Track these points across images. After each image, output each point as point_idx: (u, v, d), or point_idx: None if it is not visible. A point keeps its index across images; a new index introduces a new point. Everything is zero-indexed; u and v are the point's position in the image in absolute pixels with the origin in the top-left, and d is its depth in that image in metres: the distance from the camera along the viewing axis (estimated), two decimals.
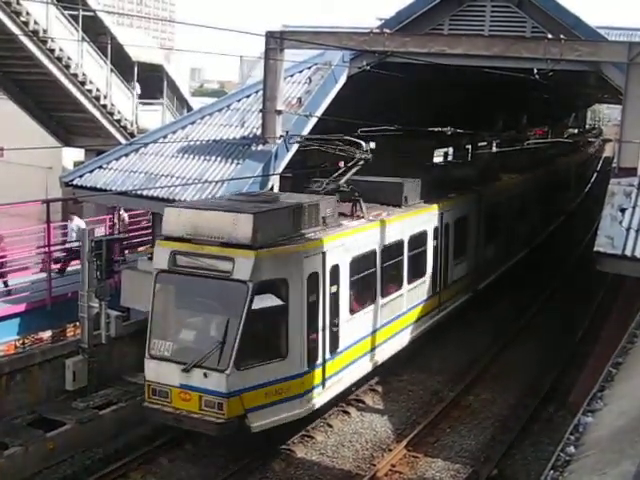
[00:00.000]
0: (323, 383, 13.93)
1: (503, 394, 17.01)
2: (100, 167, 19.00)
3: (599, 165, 66.72)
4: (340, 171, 16.55)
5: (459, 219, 20.49)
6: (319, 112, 18.11)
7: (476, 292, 22.01)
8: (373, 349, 15.94)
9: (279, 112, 17.30)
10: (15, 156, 25.89)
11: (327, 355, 13.98)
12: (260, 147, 17.57)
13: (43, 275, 18.91)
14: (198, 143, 18.42)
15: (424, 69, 17.62)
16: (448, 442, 14.68)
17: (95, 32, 26.45)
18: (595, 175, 59.88)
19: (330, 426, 15.03)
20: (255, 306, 12.40)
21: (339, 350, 14.43)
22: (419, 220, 18.00)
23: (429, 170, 20.66)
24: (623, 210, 14.12)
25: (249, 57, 33.69)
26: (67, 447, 13.88)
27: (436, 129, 18.61)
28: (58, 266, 19.39)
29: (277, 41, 17.18)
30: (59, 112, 27.85)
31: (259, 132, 17.76)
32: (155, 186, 17.32)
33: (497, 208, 23.71)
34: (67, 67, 24.59)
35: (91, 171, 19.05)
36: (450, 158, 34.43)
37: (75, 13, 24.43)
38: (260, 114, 17.72)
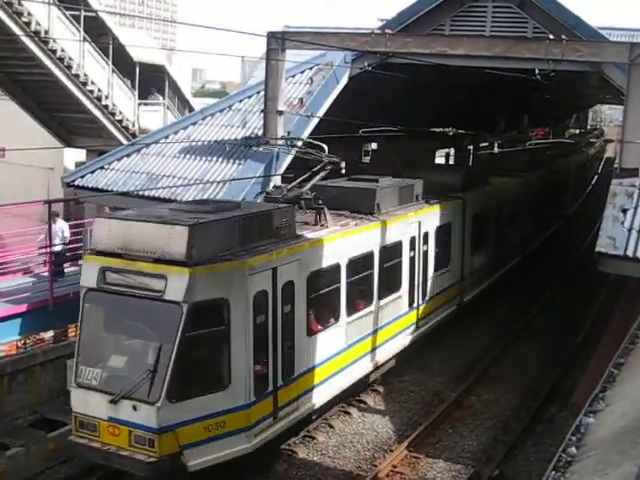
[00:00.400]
0: (274, 414, 12.64)
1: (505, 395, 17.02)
2: (102, 167, 19.03)
3: (600, 167, 65.89)
4: (304, 176, 15.58)
5: (440, 227, 19.04)
6: (320, 113, 18.13)
7: (462, 305, 20.74)
8: (338, 372, 14.63)
9: (280, 112, 17.31)
10: (17, 156, 25.91)
11: (279, 382, 12.69)
12: (261, 148, 17.58)
13: (45, 275, 18.90)
14: (200, 144, 18.45)
15: (425, 70, 17.63)
16: (450, 443, 14.67)
17: (97, 33, 26.49)
18: (596, 177, 58.98)
19: (331, 427, 15.02)
20: (190, 330, 11.16)
21: (294, 376, 13.14)
22: (393, 229, 16.56)
23: (409, 175, 19.35)
24: (625, 211, 14.14)
25: (251, 58, 33.78)
26: (69, 448, 13.85)
27: (437, 130, 18.61)
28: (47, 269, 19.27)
29: (279, 41, 17.20)
30: (61, 112, 27.87)
31: (261, 132, 17.78)
32: (157, 187, 17.35)
33: (485, 214, 22.46)
34: (69, 68, 24.60)
35: (92, 172, 19.09)
36: (452, 159, 34.44)
37: (77, 13, 24.46)
38: (262, 114, 17.75)
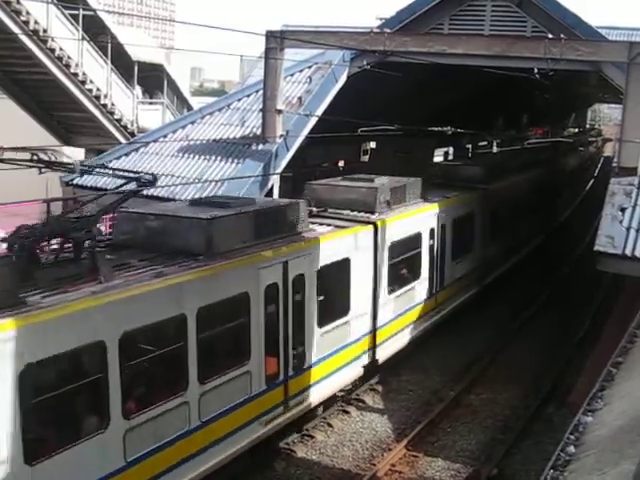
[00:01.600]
0: None
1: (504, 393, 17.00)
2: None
3: (597, 169, 62.05)
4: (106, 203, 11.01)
5: (329, 267, 13.82)
6: (319, 111, 18.16)
7: (373, 365, 15.88)
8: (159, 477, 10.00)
9: (279, 111, 17.33)
10: (15, 155, 25.89)
11: None
12: (260, 146, 17.61)
13: None
14: (198, 142, 18.46)
15: (424, 69, 17.67)
16: (448, 442, 14.65)
17: (95, 31, 26.51)
18: (592, 181, 54.97)
19: (330, 425, 15.01)
20: None
21: None
22: (231, 278, 11.48)
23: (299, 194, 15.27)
24: (623, 209, 14.17)
25: (250, 56, 33.78)
26: None
27: (435, 129, 18.63)
28: None
29: (277, 41, 17.22)
30: (59, 111, 27.90)
31: (259, 131, 17.80)
32: (155, 186, 17.33)
33: (411, 242, 17.26)
34: (67, 66, 24.63)
35: None
36: (450, 158, 34.31)
37: (75, 12, 24.48)
38: (260, 113, 17.76)
